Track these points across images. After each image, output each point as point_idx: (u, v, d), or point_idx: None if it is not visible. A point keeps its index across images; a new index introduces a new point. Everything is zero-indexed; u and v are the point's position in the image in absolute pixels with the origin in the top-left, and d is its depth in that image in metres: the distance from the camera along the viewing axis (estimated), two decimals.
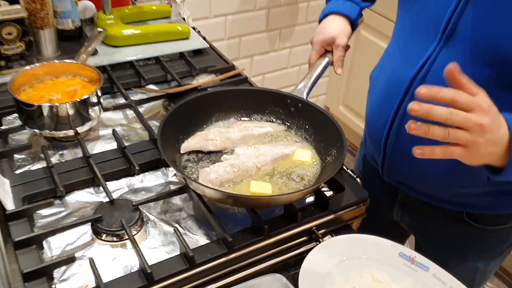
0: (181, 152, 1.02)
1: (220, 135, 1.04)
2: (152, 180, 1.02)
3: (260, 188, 0.93)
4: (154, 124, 1.20)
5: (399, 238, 1.35)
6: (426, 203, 1.06)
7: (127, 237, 0.86)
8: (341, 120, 2.84)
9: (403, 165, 1.04)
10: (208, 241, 0.89)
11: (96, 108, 1.09)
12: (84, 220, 0.88)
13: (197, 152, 1.03)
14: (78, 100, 1.01)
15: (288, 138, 1.08)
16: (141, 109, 1.22)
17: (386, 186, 1.15)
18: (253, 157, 0.99)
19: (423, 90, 0.67)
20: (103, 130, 1.16)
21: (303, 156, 1.02)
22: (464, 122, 0.66)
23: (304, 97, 1.11)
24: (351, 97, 2.80)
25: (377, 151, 1.10)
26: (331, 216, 0.95)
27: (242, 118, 1.13)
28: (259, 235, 0.88)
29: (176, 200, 0.98)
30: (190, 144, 1.02)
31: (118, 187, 1.00)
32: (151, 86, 1.30)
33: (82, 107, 1.04)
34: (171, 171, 1.05)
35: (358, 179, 1.04)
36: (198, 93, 1.11)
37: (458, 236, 1.08)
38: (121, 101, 1.22)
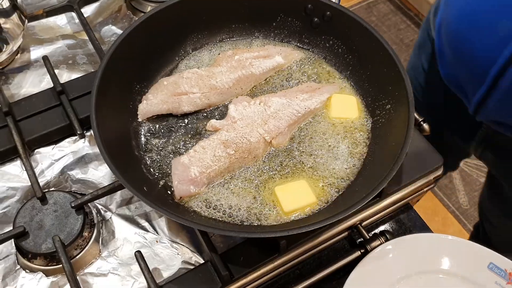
0: (139, 119, 0.64)
1: (199, 82, 0.64)
2: None
3: (295, 197, 0.55)
4: (113, 31, 0.81)
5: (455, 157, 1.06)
6: None
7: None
8: None
9: None
10: (192, 256, 0.58)
11: (14, 17, 0.72)
12: None
13: (165, 115, 0.65)
14: None
15: (307, 75, 0.68)
16: (90, 8, 0.82)
17: (465, 117, 0.78)
18: (259, 123, 0.60)
19: None
20: (36, 50, 0.78)
21: (345, 109, 0.63)
22: None
23: None
24: None
25: (474, 80, 0.69)
26: (385, 203, 0.61)
27: (233, 39, 0.71)
28: (271, 252, 0.56)
29: None
30: (151, 105, 0.63)
31: (57, 157, 0.66)
32: None
33: None
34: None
35: (425, 125, 0.67)
36: (165, 3, 0.67)
37: None
38: None
